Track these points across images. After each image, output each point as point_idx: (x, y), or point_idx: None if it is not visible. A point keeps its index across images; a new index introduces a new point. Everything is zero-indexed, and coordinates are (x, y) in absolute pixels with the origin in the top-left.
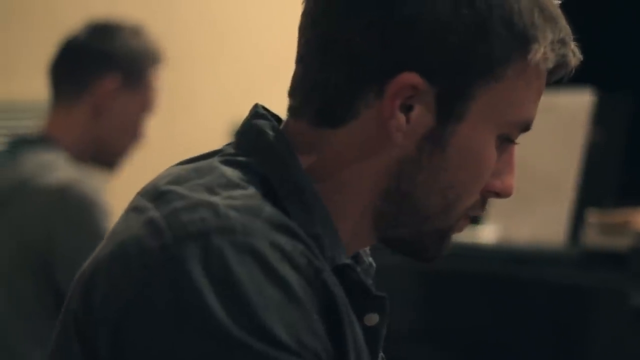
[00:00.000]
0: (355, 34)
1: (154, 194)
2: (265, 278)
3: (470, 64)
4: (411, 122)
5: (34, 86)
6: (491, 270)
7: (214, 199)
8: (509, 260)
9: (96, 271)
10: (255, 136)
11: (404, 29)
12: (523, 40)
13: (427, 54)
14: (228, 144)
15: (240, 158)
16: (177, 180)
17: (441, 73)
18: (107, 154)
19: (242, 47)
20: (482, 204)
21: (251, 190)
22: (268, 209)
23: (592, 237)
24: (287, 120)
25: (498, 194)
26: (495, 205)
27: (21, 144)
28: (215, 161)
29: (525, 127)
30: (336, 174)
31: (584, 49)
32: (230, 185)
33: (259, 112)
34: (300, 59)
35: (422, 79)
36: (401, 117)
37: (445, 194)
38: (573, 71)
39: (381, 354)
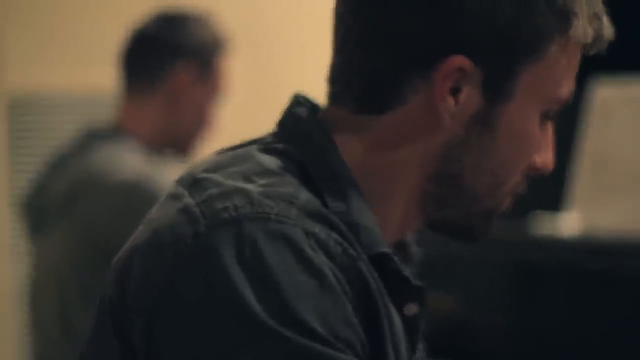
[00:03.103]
0: (400, 18)
1: (190, 181)
2: (298, 266)
3: (516, 43)
4: (459, 104)
5: (105, 77)
6: (572, 263)
7: (249, 186)
8: (590, 252)
9: (131, 257)
10: (294, 124)
11: (450, 12)
12: (564, 16)
13: (473, 36)
14: (268, 133)
15: (278, 146)
16: (214, 167)
17: (488, 54)
18: (179, 143)
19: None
20: (525, 181)
21: (288, 177)
22: (304, 196)
23: None
24: (327, 108)
25: (538, 170)
26: (577, 192)
27: (93, 136)
28: (253, 149)
29: (566, 102)
30: (378, 159)
31: None
32: (267, 172)
33: (298, 101)
34: (341, 47)
35: (470, 61)
36: (450, 100)
37: (496, 174)
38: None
39: (421, 344)
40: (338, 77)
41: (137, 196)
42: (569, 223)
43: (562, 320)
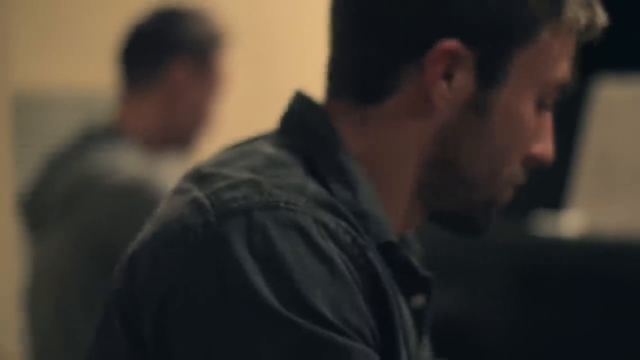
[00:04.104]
0: (390, 5)
1: (197, 176)
2: (309, 254)
3: (508, 27)
4: (453, 89)
5: (110, 74)
6: (574, 265)
7: (258, 177)
8: (594, 254)
9: (140, 252)
10: (298, 119)
11: None
12: (556, 0)
13: (465, 20)
14: (272, 129)
15: (283, 140)
16: (221, 163)
17: (480, 38)
18: (178, 139)
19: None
20: (524, 171)
21: (295, 169)
22: (312, 186)
23: None
24: (327, 103)
25: (538, 160)
26: (579, 191)
27: (92, 136)
28: (258, 144)
29: (561, 87)
30: (380, 149)
31: None
32: (274, 165)
33: (301, 97)
34: (336, 40)
35: (462, 45)
36: (443, 85)
37: (491, 160)
38: (601, 34)
39: (427, 338)
40: (335, 70)
41: (136, 197)
42: (571, 222)
43: (565, 322)
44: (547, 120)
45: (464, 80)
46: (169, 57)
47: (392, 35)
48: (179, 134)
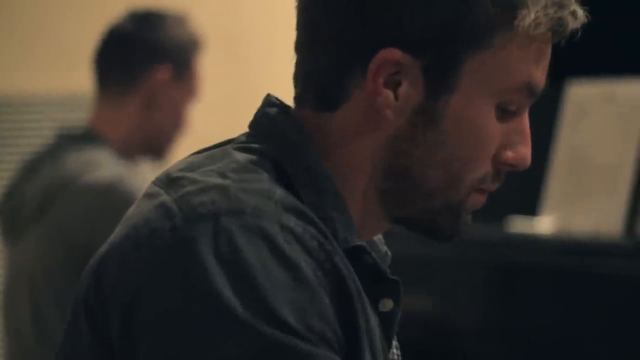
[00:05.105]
0: (336, 15)
1: (166, 180)
2: (274, 260)
3: (454, 34)
4: (400, 97)
5: (80, 78)
6: (547, 262)
7: (226, 182)
8: (565, 252)
9: (108, 254)
10: (268, 124)
11: (382, 5)
12: (508, 7)
13: (407, 28)
14: (242, 134)
15: (253, 145)
16: (190, 167)
17: (424, 46)
18: (154, 145)
19: None
20: (496, 177)
21: (263, 174)
22: (280, 192)
23: None
24: (294, 109)
25: (513, 166)
26: (551, 195)
27: (67, 139)
28: (228, 149)
29: (529, 92)
30: (339, 157)
31: None
32: (242, 169)
33: (271, 102)
34: (298, 49)
35: (405, 53)
36: (389, 94)
37: (447, 168)
38: (578, 33)
39: (395, 342)
40: (297, 78)
41: (111, 198)
42: (544, 225)
43: (539, 319)
44: (521, 125)
45: (410, 88)
46: (148, 62)
47: (339, 46)
48: (155, 139)
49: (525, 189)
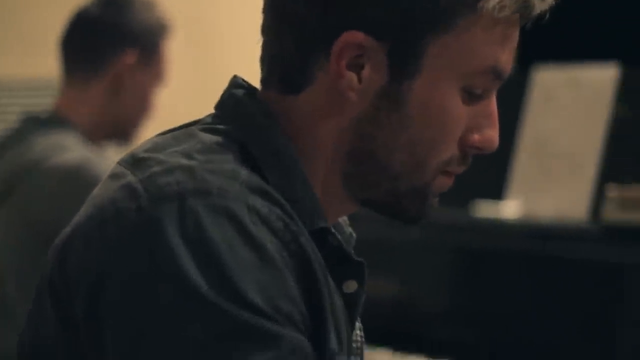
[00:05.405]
0: (301, 0)
1: (131, 161)
2: (240, 240)
3: (416, 17)
4: (363, 80)
5: (47, 63)
6: (513, 247)
7: (191, 163)
8: (530, 236)
9: (73, 235)
10: (234, 105)
11: None
12: None
13: (369, 11)
14: (208, 115)
15: (219, 126)
16: (155, 147)
17: (387, 29)
18: (120, 129)
19: None
20: (463, 159)
21: (229, 155)
22: (245, 173)
23: (613, 212)
24: (261, 91)
25: (479, 148)
26: (517, 179)
27: (33, 123)
28: (194, 129)
29: (495, 75)
30: (304, 140)
31: (609, 23)
32: (208, 150)
33: (237, 83)
34: (264, 32)
35: (368, 36)
36: (352, 77)
37: (412, 151)
38: (546, 16)
39: (359, 324)
40: (264, 60)
41: (76, 180)
42: (509, 209)
43: (504, 302)
44: (488, 108)
45: (374, 71)
46: (115, 46)
47: (303, 29)
48: (122, 123)
49: (491, 173)
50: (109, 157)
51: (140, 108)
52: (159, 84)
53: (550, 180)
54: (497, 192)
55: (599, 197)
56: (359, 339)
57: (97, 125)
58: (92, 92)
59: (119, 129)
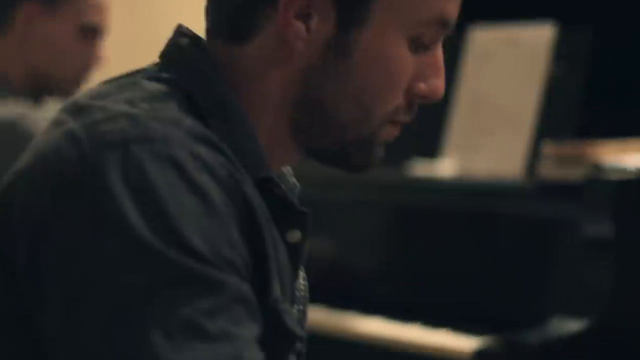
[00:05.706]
0: None
1: (74, 108)
2: (183, 187)
3: None
4: (311, 30)
5: None
6: (448, 204)
7: (135, 110)
8: (466, 194)
9: (15, 182)
10: (179, 54)
11: None
12: None
13: None
14: (152, 63)
15: (163, 75)
16: (98, 95)
17: None
18: (53, 84)
19: None
20: (409, 109)
21: (173, 103)
22: (189, 121)
23: (548, 169)
24: (206, 41)
25: (425, 97)
26: (453, 137)
27: None
28: (138, 77)
29: (442, 25)
30: (250, 89)
31: None
32: (152, 98)
33: (182, 32)
34: None
35: None
36: (300, 26)
37: (359, 101)
38: None
39: (302, 273)
40: (209, 9)
41: (13, 134)
42: (445, 168)
43: (441, 261)
44: (434, 58)
45: (322, 21)
46: (16, 2)
47: None
48: (48, 77)
49: (427, 132)
50: (45, 110)
51: (63, 59)
52: (86, 34)
53: (486, 138)
54: (432, 150)
55: (534, 154)
56: (302, 287)
57: (22, 81)
58: (3, 47)
59: (50, 83)
